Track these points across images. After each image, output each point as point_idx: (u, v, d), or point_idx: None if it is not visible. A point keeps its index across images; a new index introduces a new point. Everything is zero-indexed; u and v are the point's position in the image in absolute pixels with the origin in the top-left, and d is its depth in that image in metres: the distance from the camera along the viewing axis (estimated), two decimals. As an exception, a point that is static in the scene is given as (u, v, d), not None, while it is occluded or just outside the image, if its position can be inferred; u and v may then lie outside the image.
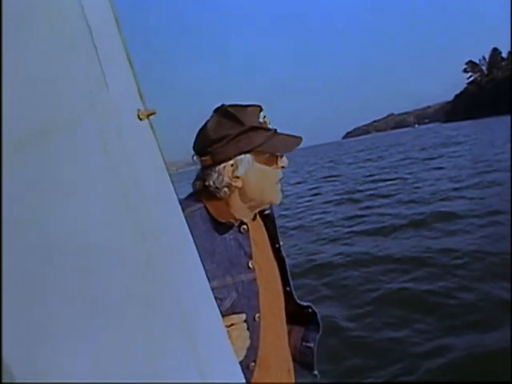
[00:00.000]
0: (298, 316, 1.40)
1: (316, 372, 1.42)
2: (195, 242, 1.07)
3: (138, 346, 0.55)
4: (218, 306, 1.07)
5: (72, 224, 0.47)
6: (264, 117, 1.16)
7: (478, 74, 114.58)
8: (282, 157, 1.19)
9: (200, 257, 1.06)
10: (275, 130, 1.19)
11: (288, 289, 1.36)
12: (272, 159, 1.17)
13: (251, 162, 1.14)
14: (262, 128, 1.14)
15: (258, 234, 1.30)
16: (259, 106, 1.17)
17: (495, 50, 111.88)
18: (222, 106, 1.17)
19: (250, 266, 1.19)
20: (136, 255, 0.58)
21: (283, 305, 1.34)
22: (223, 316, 1.06)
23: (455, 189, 10.61)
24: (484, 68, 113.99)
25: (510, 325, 3.41)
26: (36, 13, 0.46)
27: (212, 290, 1.08)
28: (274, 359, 1.26)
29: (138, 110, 0.65)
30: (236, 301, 1.15)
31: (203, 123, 1.17)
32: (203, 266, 1.07)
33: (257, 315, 1.18)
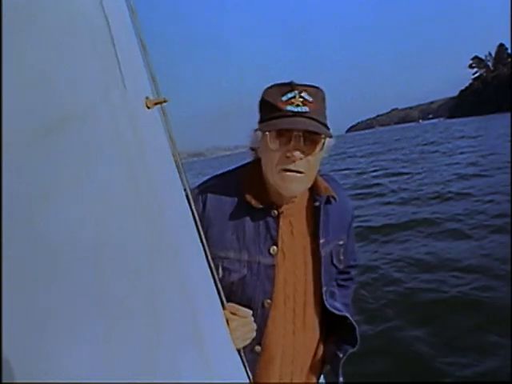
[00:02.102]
0: (338, 324, 1.33)
1: (341, 379, 1.35)
2: (220, 209, 1.15)
3: (144, 340, 0.54)
4: (224, 277, 1.13)
5: (85, 216, 0.47)
6: (293, 97, 1.09)
7: (484, 69, 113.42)
8: (294, 145, 1.08)
9: (223, 224, 1.13)
10: (299, 112, 1.08)
11: (324, 289, 1.27)
12: (279, 141, 1.10)
13: (260, 136, 1.15)
14: (273, 105, 1.10)
15: (300, 224, 1.24)
16: (290, 85, 1.10)
17: (501, 45, 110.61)
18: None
19: (272, 251, 1.17)
20: (145, 246, 0.58)
21: (309, 303, 1.27)
22: (231, 298, 1.06)
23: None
24: (490, 64, 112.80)
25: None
26: (54, 5, 0.47)
27: (224, 258, 1.14)
28: (280, 353, 1.23)
29: (146, 99, 0.64)
30: (247, 279, 1.15)
31: None
32: (223, 233, 1.15)
33: (267, 301, 1.17)
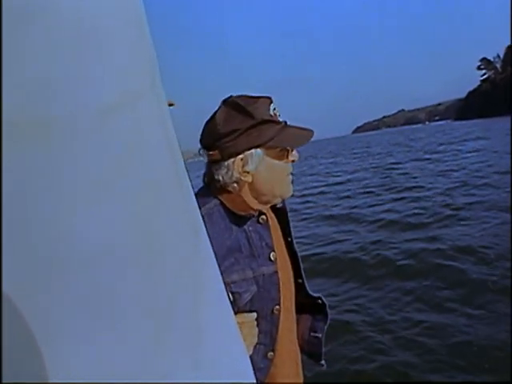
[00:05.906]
0: (305, 306, 1.38)
1: (323, 362, 1.41)
2: (213, 240, 1.06)
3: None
4: (236, 300, 1.10)
5: (132, 209, 0.47)
6: (274, 109, 1.11)
7: (492, 71, 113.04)
8: (292, 150, 1.15)
9: (220, 253, 1.05)
10: (285, 122, 1.14)
11: (300, 281, 1.34)
12: (283, 153, 1.13)
13: (262, 157, 1.10)
14: (273, 121, 1.09)
15: (274, 226, 1.26)
16: (269, 98, 1.11)
17: (510, 47, 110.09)
18: (231, 97, 1.12)
19: (272, 258, 1.16)
20: (186, 241, 0.58)
21: (294, 298, 1.33)
22: (240, 311, 1.08)
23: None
24: (498, 65, 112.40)
25: None
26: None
27: (231, 283, 1.10)
28: (287, 353, 1.26)
29: None
30: (256, 294, 1.13)
31: (211, 115, 1.12)
32: (222, 260, 1.08)
33: (276, 307, 1.17)
